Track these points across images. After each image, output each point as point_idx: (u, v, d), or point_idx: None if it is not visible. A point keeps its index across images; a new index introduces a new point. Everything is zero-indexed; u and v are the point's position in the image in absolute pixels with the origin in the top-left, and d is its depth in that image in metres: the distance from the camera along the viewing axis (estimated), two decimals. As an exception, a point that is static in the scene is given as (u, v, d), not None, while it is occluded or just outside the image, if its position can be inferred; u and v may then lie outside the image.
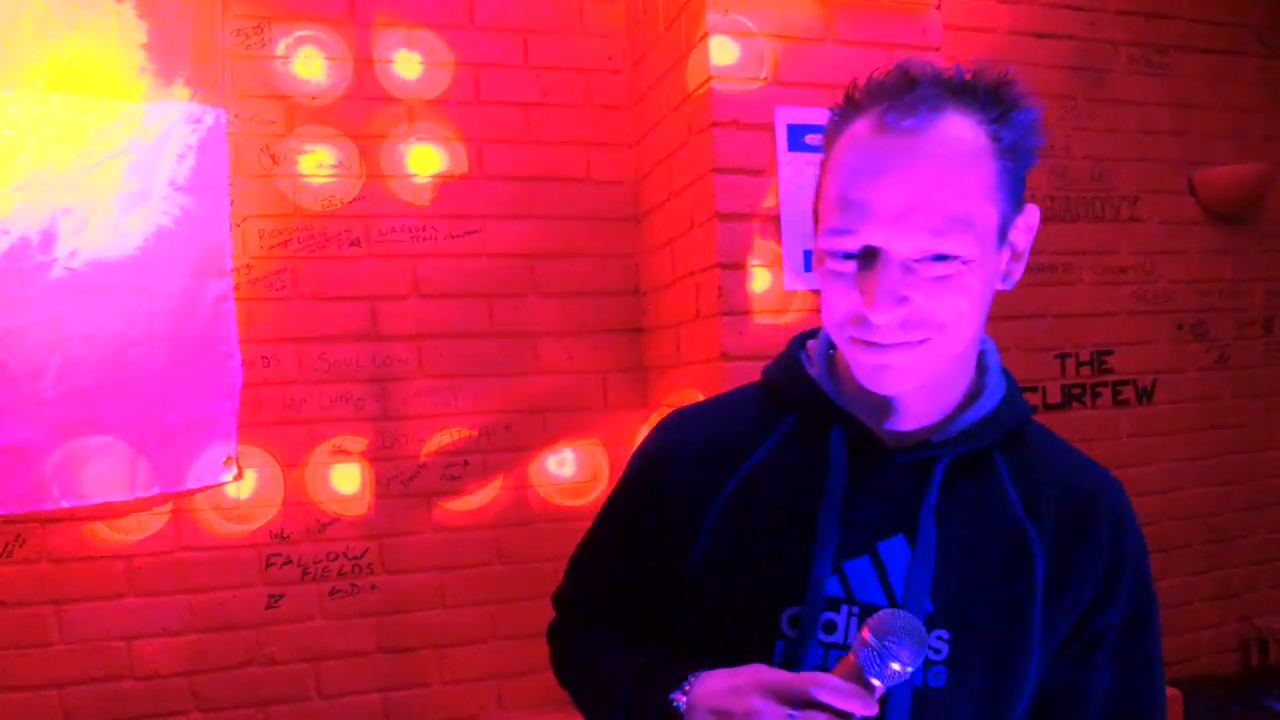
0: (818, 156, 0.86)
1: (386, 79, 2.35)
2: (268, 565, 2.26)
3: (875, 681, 0.71)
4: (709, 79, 1.98)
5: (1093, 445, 2.96)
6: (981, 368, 0.90)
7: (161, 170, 2.10)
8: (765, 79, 1.99)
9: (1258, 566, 3.21)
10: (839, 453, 0.86)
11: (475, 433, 2.39)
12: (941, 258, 0.74)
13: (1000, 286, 0.83)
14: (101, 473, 2.07)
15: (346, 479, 2.32)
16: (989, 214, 0.77)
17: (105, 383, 2.06)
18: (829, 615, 0.82)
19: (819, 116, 2.03)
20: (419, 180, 2.38)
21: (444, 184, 2.40)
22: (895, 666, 0.71)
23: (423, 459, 2.37)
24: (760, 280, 1.99)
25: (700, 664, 0.81)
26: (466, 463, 2.38)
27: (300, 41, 2.29)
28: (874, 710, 0.71)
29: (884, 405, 0.85)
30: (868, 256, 0.76)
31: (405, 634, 2.34)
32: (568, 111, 2.48)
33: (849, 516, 0.84)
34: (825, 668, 0.80)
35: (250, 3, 2.25)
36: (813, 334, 0.96)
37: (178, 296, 2.12)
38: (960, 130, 0.75)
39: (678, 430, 0.97)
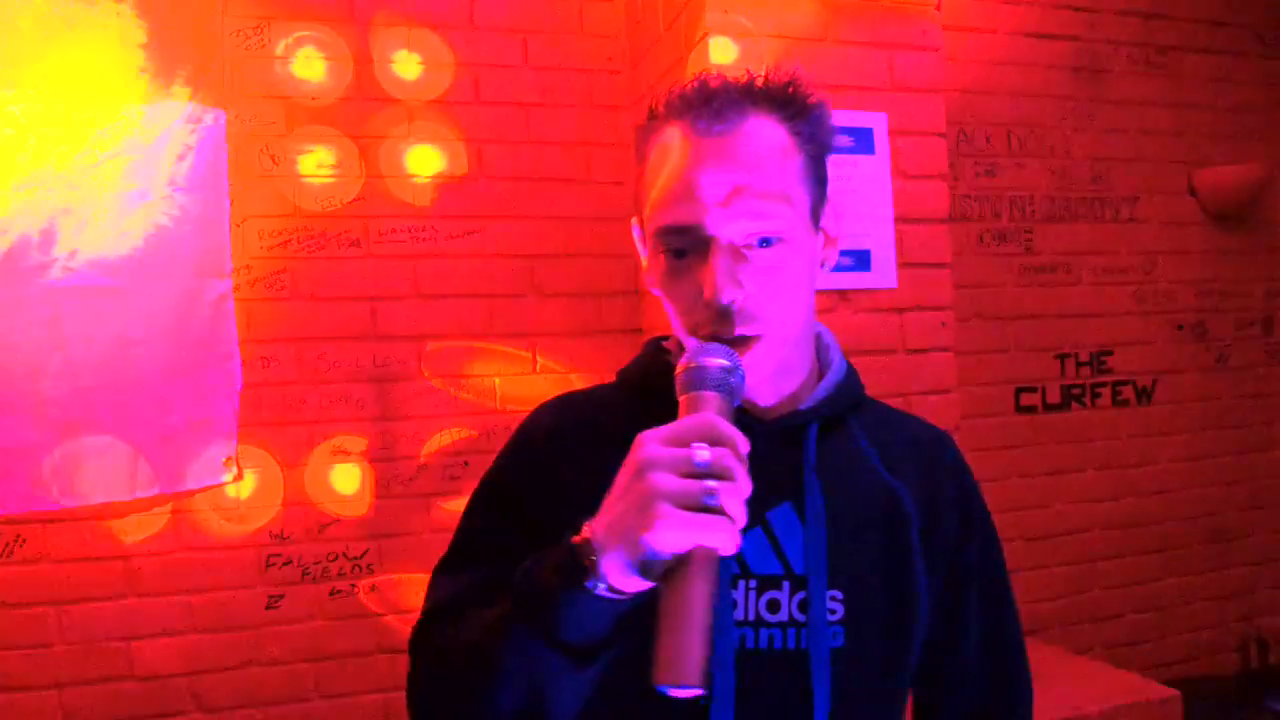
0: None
1: (386, 79, 2.35)
2: (268, 566, 2.26)
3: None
4: (709, 79, 1.97)
5: (1093, 445, 2.97)
6: (821, 346, 0.97)
7: (161, 170, 2.10)
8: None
9: (1258, 566, 3.21)
10: None
11: (475, 433, 2.39)
12: (766, 241, 0.81)
13: (821, 271, 0.90)
14: (101, 473, 2.07)
15: (346, 479, 2.32)
16: (802, 196, 0.84)
17: (105, 383, 2.06)
18: (727, 594, 0.83)
19: (819, 116, 2.03)
20: (419, 180, 2.38)
21: (444, 184, 2.40)
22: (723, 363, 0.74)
23: (423, 459, 2.37)
24: (760, 280, 1.99)
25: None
26: (466, 463, 2.38)
27: (300, 41, 2.29)
28: (746, 444, 0.70)
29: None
30: (701, 248, 0.81)
31: (405, 634, 2.34)
32: (568, 111, 2.48)
33: None
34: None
35: (250, 3, 2.25)
36: (665, 338, 0.99)
37: (178, 296, 2.12)
38: (764, 129, 0.83)
39: (563, 413, 0.96)
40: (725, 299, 0.79)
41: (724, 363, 0.74)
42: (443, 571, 0.94)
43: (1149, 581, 3.04)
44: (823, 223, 0.89)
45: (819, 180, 0.87)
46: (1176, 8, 3.08)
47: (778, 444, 0.88)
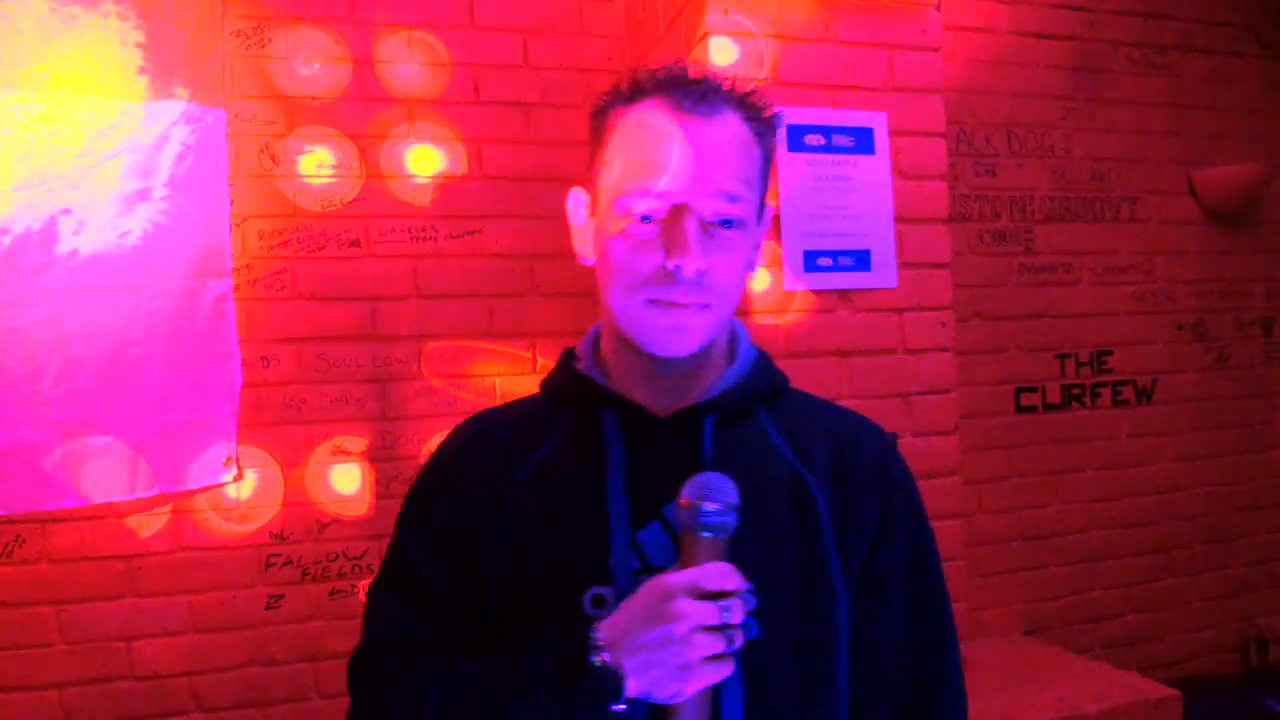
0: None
1: (386, 79, 2.35)
2: (268, 565, 2.26)
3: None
4: (709, 79, 1.97)
5: (1092, 445, 2.97)
6: (733, 339, 0.98)
7: (160, 170, 2.10)
8: (765, 79, 1.99)
9: (1258, 566, 3.21)
10: (612, 430, 0.91)
11: (475, 433, 2.39)
12: (728, 223, 0.85)
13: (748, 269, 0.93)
14: (101, 473, 2.07)
15: (346, 479, 2.32)
16: (757, 189, 0.90)
17: (105, 383, 2.06)
18: (629, 588, 0.84)
19: (819, 117, 2.03)
20: (419, 180, 2.38)
21: (444, 184, 2.40)
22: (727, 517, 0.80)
23: (423, 459, 2.36)
24: (760, 280, 1.99)
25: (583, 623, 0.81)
26: (466, 463, 2.38)
27: (300, 42, 2.29)
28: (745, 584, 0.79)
29: (651, 381, 0.92)
30: (671, 217, 0.84)
31: (405, 634, 2.34)
32: (568, 111, 2.48)
33: (634, 488, 0.88)
34: None
35: (250, 3, 2.26)
36: (575, 347, 1.03)
37: (177, 296, 2.12)
38: (736, 123, 0.88)
39: (465, 432, 1.01)
40: (693, 266, 0.82)
41: (729, 502, 0.79)
42: (376, 594, 0.98)
43: (1148, 581, 3.04)
44: (759, 225, 0.93)
45: (765, 184, 0.93)
46: (1176, 8, 3.08)
47: (675, 438, 0.90)
